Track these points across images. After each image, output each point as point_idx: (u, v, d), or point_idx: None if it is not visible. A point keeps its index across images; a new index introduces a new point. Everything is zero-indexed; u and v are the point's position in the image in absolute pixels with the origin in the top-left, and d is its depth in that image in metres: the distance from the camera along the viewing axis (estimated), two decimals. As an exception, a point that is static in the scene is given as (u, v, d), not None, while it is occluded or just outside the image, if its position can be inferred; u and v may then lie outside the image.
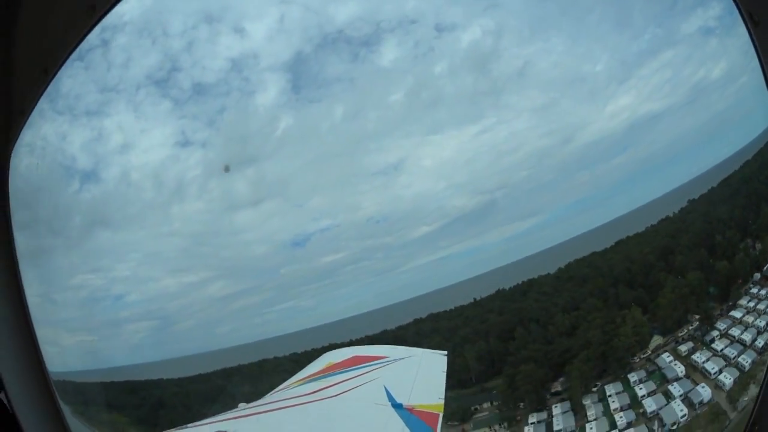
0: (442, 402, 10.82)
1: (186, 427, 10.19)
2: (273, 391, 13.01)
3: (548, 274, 40.51)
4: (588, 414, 30.99)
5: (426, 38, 73.45)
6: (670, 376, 29.66)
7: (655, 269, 33.44)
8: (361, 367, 13.03)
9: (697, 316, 30.50)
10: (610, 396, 30.91)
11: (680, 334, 30.86)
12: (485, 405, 35.77)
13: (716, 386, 27.70)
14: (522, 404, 34.06)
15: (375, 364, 13.21)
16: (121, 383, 46.75)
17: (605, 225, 43.15)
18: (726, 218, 31.49)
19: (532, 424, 32.79)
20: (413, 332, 43.81)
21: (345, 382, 11.88)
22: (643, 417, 29.05)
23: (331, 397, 11.07)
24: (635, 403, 29.85)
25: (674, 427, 27.55)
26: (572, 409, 32.02)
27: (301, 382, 12.97)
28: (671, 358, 30.33)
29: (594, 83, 69.07)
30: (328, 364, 13.93)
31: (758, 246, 29.57)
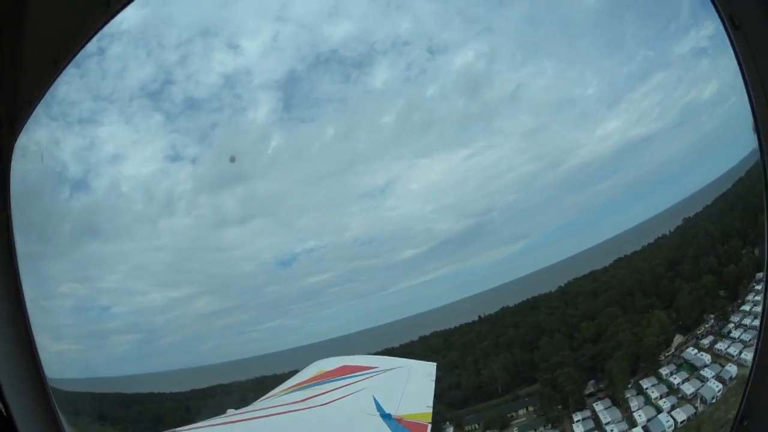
0: (431, 411, 11.51)
1: (174, 431, 10.45)
2: (262, 398, 13.55)
3: (550, 291, 43.42)
4: (631, 405, 33.05)
5: (419, 60, 76.57)
6: (698, 364, 33.10)
7: (665, 278, 37.76)
8: (351, 377, 13.57)
9: (712, 315, 34.96)
10: (647, 388, 33.36)
11: (699, 332, 34.94)
12: (521, 411, 36.41)
13: (740, 364, 31.48)
14: (560, 406, 35.31)
15: (365, 374, 13.77)
16: (111, 395, 42.79)
17: (597, 246, 47.75)
18: (727, 230, 36.91)
19: (578, 421, 34.05)
20: (423, 348, 43.39)
21: (334, 391, 12.40)
22: (683, 399, 31.88)
23: (320, 405, 11.50)
24: (673, 390, 32.56)
25: (713, 400, 30.68)
26: (613, 404, 33.98)
27: (291, 389, 13.62)
28: (696, 350, 34.01)
29: (584, 107, 74.31)
30: (318, 372, 14.52)
31: (757, 251, 35.22)
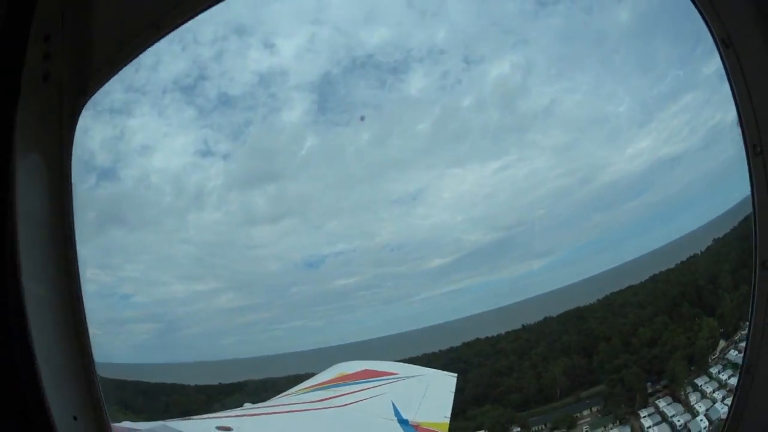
0: (448, 421, 12.60)
1: (190, 419, 12.08)
2: (279, 396, 15.14)
3: (590, 303, 46.41)
4: (690, 400, 36.98)
5: (455, 70, 77.44)
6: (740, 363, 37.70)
7: (706, 290, 42.16)
8: (371, 381, 14.63)
9: (747, 323, 39.64)
10: (701, 385, 37.54)
11: (736, 337, 39.40)
12: (585, 412, 38.50)
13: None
14: (624, 405, 37.83)
15: (385, 379, 14.90)
16: (131, 382, 41.70)
17: (624, 265, 51.65)
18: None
19: (644, 417, 36.82)
20: (471, 353, 44.89)
21: (353, 394, 13.50)
22: (731, 392, 36.15)
23: (338, 406, 12.69)
24: (722, 384, 36.77)
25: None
26: (674, 401, 37.53)
27: (310, 389, 15.02)
28: (737, 352, 38.39)
29: (616, 124, 76.40)
30: (339, 375, 15.80)
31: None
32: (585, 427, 37.62)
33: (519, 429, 38.33)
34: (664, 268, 46.56)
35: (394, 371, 15.64)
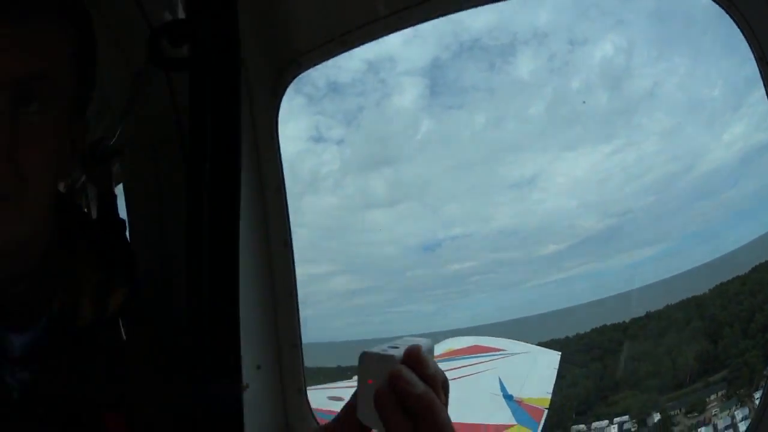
0: (549, 397, 13.29)
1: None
2: None
3: (704, 293, 53.86)
4: (791, 384, 45.72)
5: (560, 52, 79.63)
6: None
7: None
8: (480, 356, 15.59)
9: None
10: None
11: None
12: (712, 397, 46.80)
13: None
14: (743, 389, 46.23)
15: (493, 355, 15.91)
16: None
17: (727, 254, 58.16)
18: None
19: (757, 399, 45.23)
20: (603, 339, 51.90)
21: (462, 368, 14.19)
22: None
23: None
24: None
25: None
26: (779, 384, 46.14)
27: None
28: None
29: (712, 108, 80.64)
30: (448, 350, 16.36)
31: None
32: (714, 410, 46.08)
33: (658, 413, 46.39)
34: (763, 260, 54.15)
35: (501, 347, 16.80)
